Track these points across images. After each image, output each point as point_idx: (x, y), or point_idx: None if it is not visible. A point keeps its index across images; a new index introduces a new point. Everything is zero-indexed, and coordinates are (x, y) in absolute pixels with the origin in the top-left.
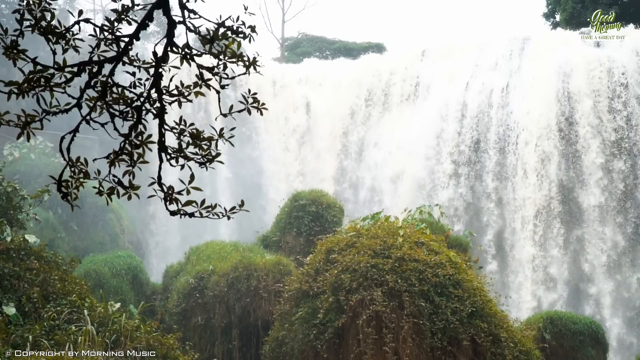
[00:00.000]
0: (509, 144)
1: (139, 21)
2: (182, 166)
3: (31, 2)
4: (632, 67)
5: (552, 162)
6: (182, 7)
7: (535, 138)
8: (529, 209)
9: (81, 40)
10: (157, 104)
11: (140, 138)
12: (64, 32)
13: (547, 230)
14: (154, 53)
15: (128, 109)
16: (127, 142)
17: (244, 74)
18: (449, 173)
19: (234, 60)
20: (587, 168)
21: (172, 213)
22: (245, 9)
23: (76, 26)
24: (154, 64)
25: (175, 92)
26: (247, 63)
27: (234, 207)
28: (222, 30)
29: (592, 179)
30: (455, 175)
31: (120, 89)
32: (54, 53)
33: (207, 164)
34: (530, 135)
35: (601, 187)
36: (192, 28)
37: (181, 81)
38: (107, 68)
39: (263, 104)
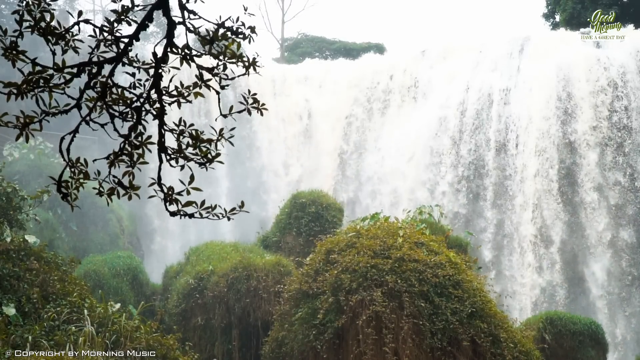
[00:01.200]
0: (506, 200)
1: (138, 22)
2: (182, 167)
3: (31, 3)
4: (636, 103)
5: (554, 233)
6: (182, 7)
7: (532, 204)
8: (526, 301)
9: (81, 41)
10: (157, 105)
11: (140, 139)
12: (63, 33)
13: None
14: (154, 54)
15: (128, 109)
16: (126, 142)
17: (244, 74)
18: None
19: (233, 60)
20: (593, 247)
21: (172, 214)
22: (245, 9)
23: (76, 27)
24: (153, 64)
25: (175, 92)
26: (246, 63)
27: (233, 208)
28: (221, 30)
29: (598, 264)
30: None
31: (120, 90)
32: (54, 54)
33: (207, 164)
34: (526, 198)
35: (609, 270)
36: (192, 29)
37: (181, 82)
38: (106, 69)
39: (263, 104)
